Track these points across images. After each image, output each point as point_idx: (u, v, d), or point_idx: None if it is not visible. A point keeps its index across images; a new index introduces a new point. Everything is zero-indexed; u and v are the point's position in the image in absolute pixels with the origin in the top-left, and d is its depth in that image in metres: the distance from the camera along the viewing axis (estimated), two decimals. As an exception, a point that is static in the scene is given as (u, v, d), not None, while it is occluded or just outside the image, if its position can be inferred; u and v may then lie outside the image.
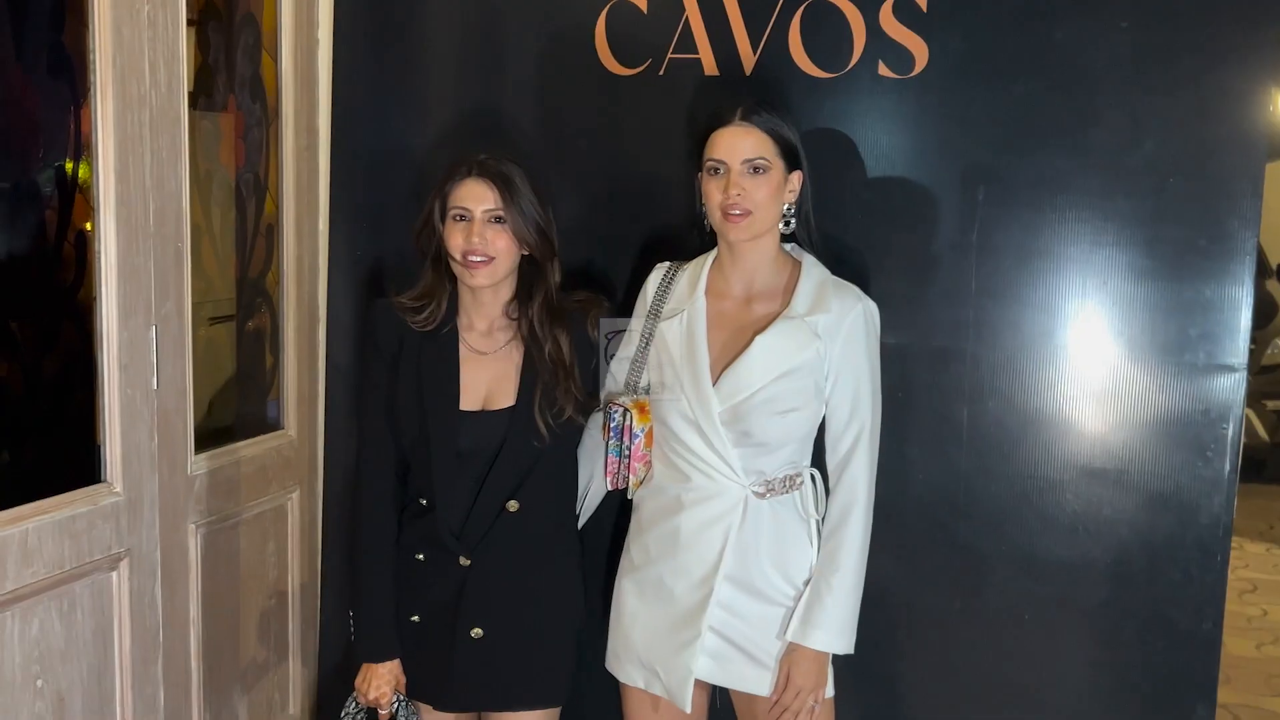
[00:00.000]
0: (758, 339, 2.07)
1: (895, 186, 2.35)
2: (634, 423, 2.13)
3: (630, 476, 2.16)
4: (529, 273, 2.19)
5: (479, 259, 2.10)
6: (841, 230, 2.33)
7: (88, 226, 2.27)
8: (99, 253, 2.25)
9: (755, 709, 2.13)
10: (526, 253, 2.16)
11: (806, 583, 2.10)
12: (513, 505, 2.15)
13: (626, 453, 2.15)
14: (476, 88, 2.57)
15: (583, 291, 2.29)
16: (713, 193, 2.06)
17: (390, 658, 2.19)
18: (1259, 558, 6.05)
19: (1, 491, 2.09)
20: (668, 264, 2.23)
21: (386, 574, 2.20)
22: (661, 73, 2.44)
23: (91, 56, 2.21)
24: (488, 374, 2.20)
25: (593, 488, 2.30)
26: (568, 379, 2.17)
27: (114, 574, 2.33)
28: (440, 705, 2.20)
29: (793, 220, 2.13)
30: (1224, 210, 2.21)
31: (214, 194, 2.77)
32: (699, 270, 2.17)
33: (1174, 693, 2.31)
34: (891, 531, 2.32)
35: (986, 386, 2.33)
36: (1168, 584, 2.28)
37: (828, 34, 2.34)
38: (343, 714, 2.21)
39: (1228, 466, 2.24)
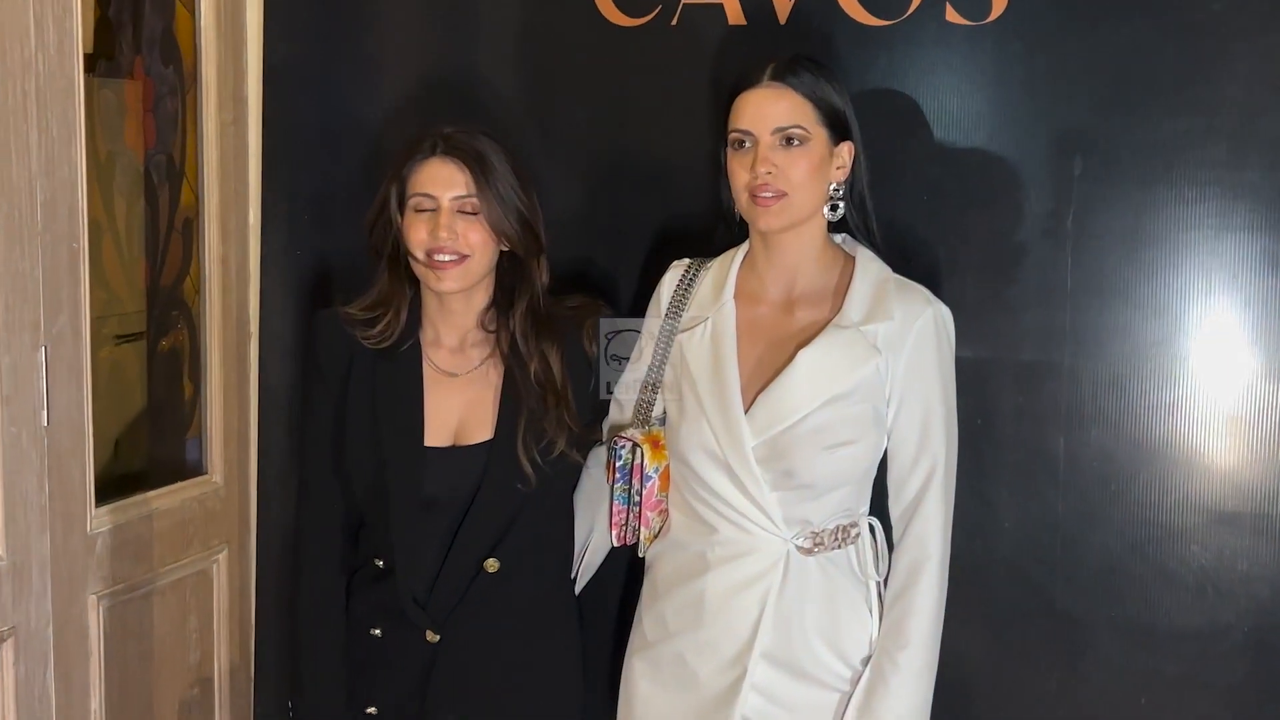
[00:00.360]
0: (801, 354, 2.03)
1: (969, 159, 2.33)
2: (645, 460, 2.10)
3: (642, 529, 2.13)
4: (509, 274, 2.15)
5: (448, 258, 2.05)
6: (903, 216, 2.32)
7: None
8: (-29, 254, 2.24)
9: None
10: (506, 249, 2.12)
11: (866, 661, 2.05)
12: (491, 564, 2.10)
13: (636, 499, 2.11)
14: (445, 43, 2.57)
15: (578, 296, 2.25)
16: (739, 171, 2.02)
17: None
18: None
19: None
20: (687, 261, 2.20)
21: (334, 653, 2.16)
22: (674, 22, 2.42)
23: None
24: (459, 400, 2.15)
25: (594, 542, 2.27)
26: (559, 405, 2.12)
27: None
28: None
29: (841, 205, 2.08)
30: (1383, 186, 2.20)
31: (117, 181, 2.77)
32: (726, 269, 2.14)
33: (1330, 791, 2.29)
34: (972, 594, 2.32)
35: (1089, 410, 2.32)
36: (1321, 656, 2.27)
37: (883, -31, 2.33)
38: None
39: (1397, 508, 2.22)
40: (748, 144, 2.01)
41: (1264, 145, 2.22)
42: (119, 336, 2.83)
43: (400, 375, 2.13)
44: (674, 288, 2.18)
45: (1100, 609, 2.33)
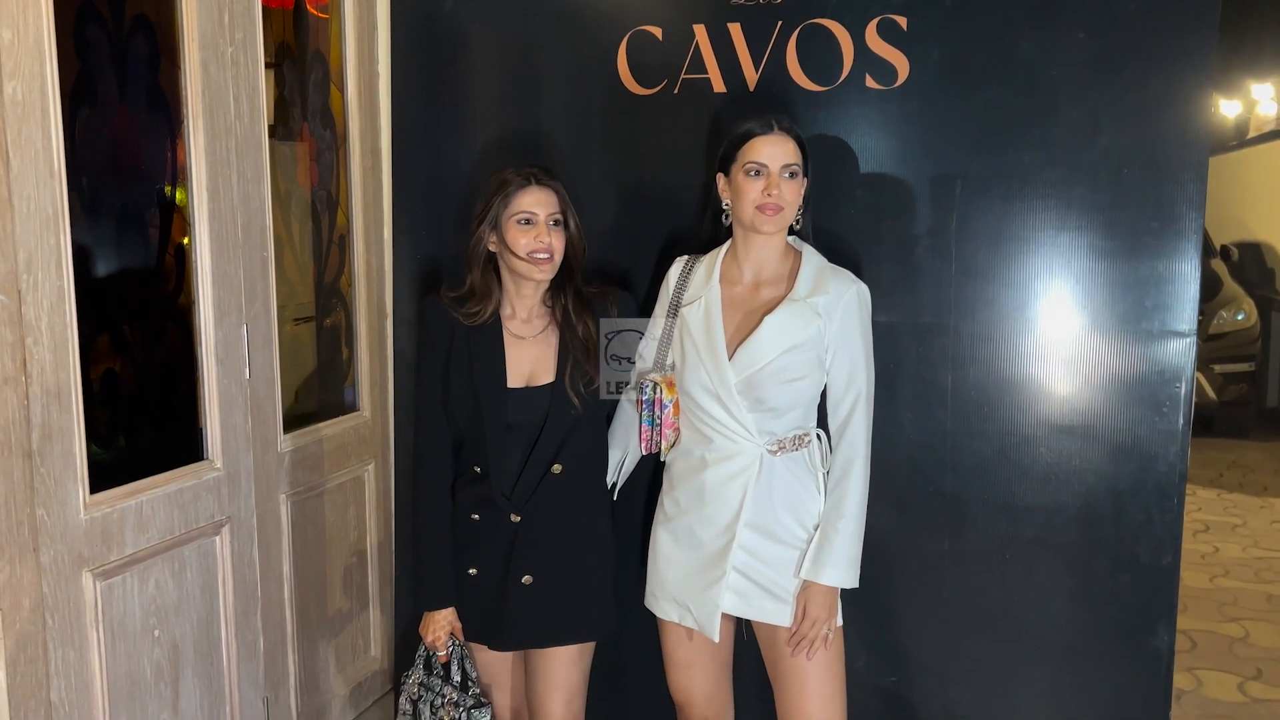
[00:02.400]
0: (767, 319, 2.06)
1: (883, 183, 2.32)
2: (664, 395, 2.14)
3: (662, 442, 2.16)
4: (560, 269, 2.16)
5: (544, 255, 2.08)
6: (838, 223, 2.31)
7: (185, 241, 2.29)
8: (195, 263, 2.28)
9: (776, 638, 2.12)
10: (578, 252, 2.16)
11: (816, 527, 2.09)
12: (557, 468, 2.13)
13: (658, 421, 2.15)
14: (515, 110, 2.57)
15: (599, 283, 2.27)
16: (750, 190, 2.03)
17: (445, 606, 2.16)
18: (1210, 502, 6.00)
19: (119, 471, 2.12)
20: (686, 257, 2.21)
21: (444, 537, 2.17)
22: (676, 91, 2.42)
23: (184, 94, 2.23)
24: (530, 355, 2.16)
25: (629, 456, 2.29)
26: (596, 355, 2.17)
27: (217, 538, 2.36)
28: (496, 646, 2.17)
29: (801, 217, 2.12)
30: (1172, 196, 2.18)
31: (293, 210, 2.78)
32: (714, 261, 2.16)
33: (1139, 620, 2.29)
34: (887, 485, 2.33)
35: (967, 356, 2.31)
36: (1131, 524, 2.27)
37: (820, 52, 2.32)
38: (416, 655, 2.21)
39: (1181, 420, 2.22)
40: (762, 173, 2.02)
41: (1086, 170, 2.22)
42: (297, 318, 2.85)
43: (488, 340, 2.14)
44: (678, 275, 2.20)
45: (976, 493, 2.34)
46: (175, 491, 2.21)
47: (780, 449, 2.08)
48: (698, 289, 2.16)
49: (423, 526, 2.19)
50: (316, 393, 2.92)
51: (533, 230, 2.08)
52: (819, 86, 2.33)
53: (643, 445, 2.18)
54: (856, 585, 2.07)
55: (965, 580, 2.37)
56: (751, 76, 2.37)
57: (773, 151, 2.03)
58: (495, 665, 2.24)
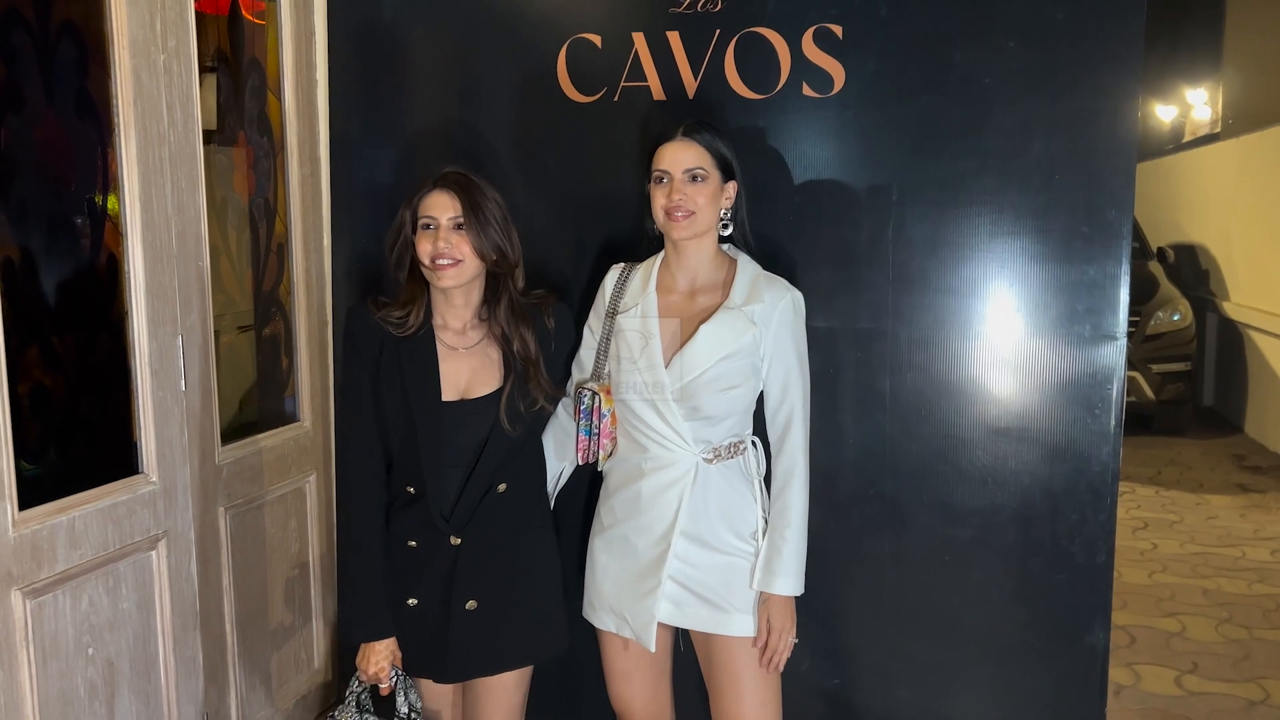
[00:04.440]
0: (702, 327, 2.04)
1: (820, 190, 2.34)
2: (601, 404, 2.11)
3: (600, 452, 2.13)
4: (494, 278, 2.08)
5: (445, 261, 1.98)
6: (775, 229, 2.33)
7: (117, 250, 2.25)
8: (128, 273, 2.24)
9: (711, 646, 2.11)
10: (493, 259, 2.03)
11: (753, 535, 2.08)
12: (502, 487, 2.06)
13: (596, 431, 2.12)
14: (456, 118, 2.55)
15: (539, 290, 2.17)
16: (657, 197, 2.04)
17: (385, 636, 2.05)
18: (1149, 499, 6.11)
19: (49, 486, 2.07)
20: (622, 265, 2.20)
21: (378, 563, 2.05)
22: (616, 99, 2.43)
23: (115, 101, 2.19)
24: (465, 368, 2.06)
25: (566, 467, 2.26)
26: (535, 372, 2.07)
27: (154, 553, 2.31)
28: (440, 678, 2.09)
29: (729, 225, 2.11)
30: (1102, 202, 2.22)
31: (230, 218, 2.74)
32: (650, 269, 2.14)
33: (1075, 616, 2.33)
34: (829, 488, 2.35)
35: (905, 361, 2.34)
36: (1066, 524, 2.30)
37: (758, 61, 2.34)
38: (347, 693, 2.10)
39: (1113, 421, 2.26)
40: (666, 180, 2.03)
41: (1019, 178, 2.25)
42: (237, 328, 2.80)
43: (420, 352, 2.05)
44: (614, 283, 2.18)
45: (915, 495, 2.36)
46: (109, 506, 2.17)
47: (716, 457, 2.07)
48: (634, 296, 2.14)
49: (353, 552, 2.07)
50: (256, 403, 2.88)
51: (432, 236, 1.99)
52: (757, 94, 2.35)
53: (579, 455, 2.15)
54: (801, 592, 2.07)
55: (906, 582, 2.39)
56: (691, 84, 2.38)
57: (674, 157, 2.02)
58: (437, 697, 2.18)
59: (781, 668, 2.07)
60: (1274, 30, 7.73)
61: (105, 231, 2.25)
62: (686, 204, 2.01)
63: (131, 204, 2.21)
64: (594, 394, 2.12)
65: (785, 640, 2.06)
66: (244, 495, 2.63)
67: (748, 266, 2.11)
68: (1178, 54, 9.57)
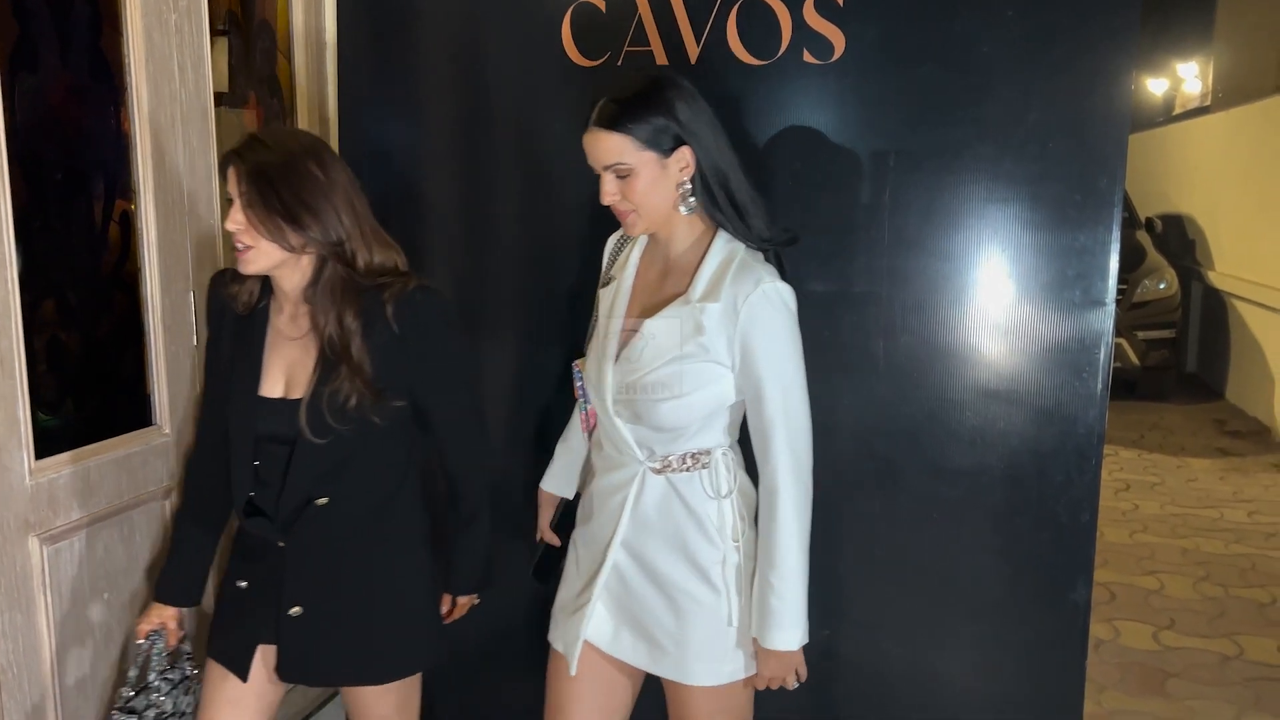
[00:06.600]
0: (647, 323, 1.74)
1: (819, 156, 2.31)
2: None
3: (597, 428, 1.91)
4: (323, 261, 1.76)
5: (239, 246, 1.70)
6: (776, 195, 2.30)
7: (131, 208, 2.23)
8: (141, 230, 2.23)
9: (669, 693, 1.84)
10: (301, 243, 1.71)
11: (720, 570, 1.77)
12: (322, 500, 1.77)
13: (586, 407, 1.95)
14: (462, 80, 2.52)
15: (398, 272, 1.80)
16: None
17: (161, 600, 1.93)
18: (1131, 462, 6.14)
19: (65, 437, 2.07)
20: (620, 232, 1.99)
21: (184, 533, 1.93)
22: (619, 63, 2.39)
23: (127, 61, 2.16)
24: (291, 359, 1.79)
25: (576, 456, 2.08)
26: (351, 369, 1.72)
27: (166, 502, 2.32)
28: (245, 676, 1.85)
29: (692, 197, 1.74)
30: (1095, 171, 2.20)
31: (240, 178, 2.72)
32: (638, 241, 1.89)
33: (1059, 574, 2.34)
34: (825, 449, 2.29)
35: (899, 324, 2.32)
36: (1051, 485, 2.31)
37: (759, 27, 2.30)
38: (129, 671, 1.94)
39: (1099, 385, 2.26)
40: (598, 175, 1.75)
41: (1015, 146, 2.23)
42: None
43: (252, 333, 1.80)
44: (610, 250, 1.99)
45: (907, 456, 2.36)
46: (123, 457, 2.17)
47: (666, 468, 1.76)
48: (619, 269, 1.89)
49: (177, 519, 1.96)
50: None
51: (231, 214, 1.69)
52: (758, 60, 2.32)
53: (584, 430, 1.98)
54: (805, 641, 1.78)
55: (896, 539, 2.40)
56: (693, 50, 2.35)
57: (592, 152, 1.74)
58: (233, 694, 1.88)
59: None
60: (1264, 6, 7.65)
61: (118, 190, 2.24)
62: (621, 204, 1.74)
63: (144, 163, 2.20)
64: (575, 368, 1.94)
65: (788, 684, 1.79)
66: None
67: (721, 250, 1.76)
68: (1170, 28, 9.48)
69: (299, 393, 1.76)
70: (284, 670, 1.85)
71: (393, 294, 1.74)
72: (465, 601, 2.06)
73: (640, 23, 2.36)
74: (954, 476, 2.35)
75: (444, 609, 2.03)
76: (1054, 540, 2.32)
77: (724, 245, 1.78)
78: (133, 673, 1.95)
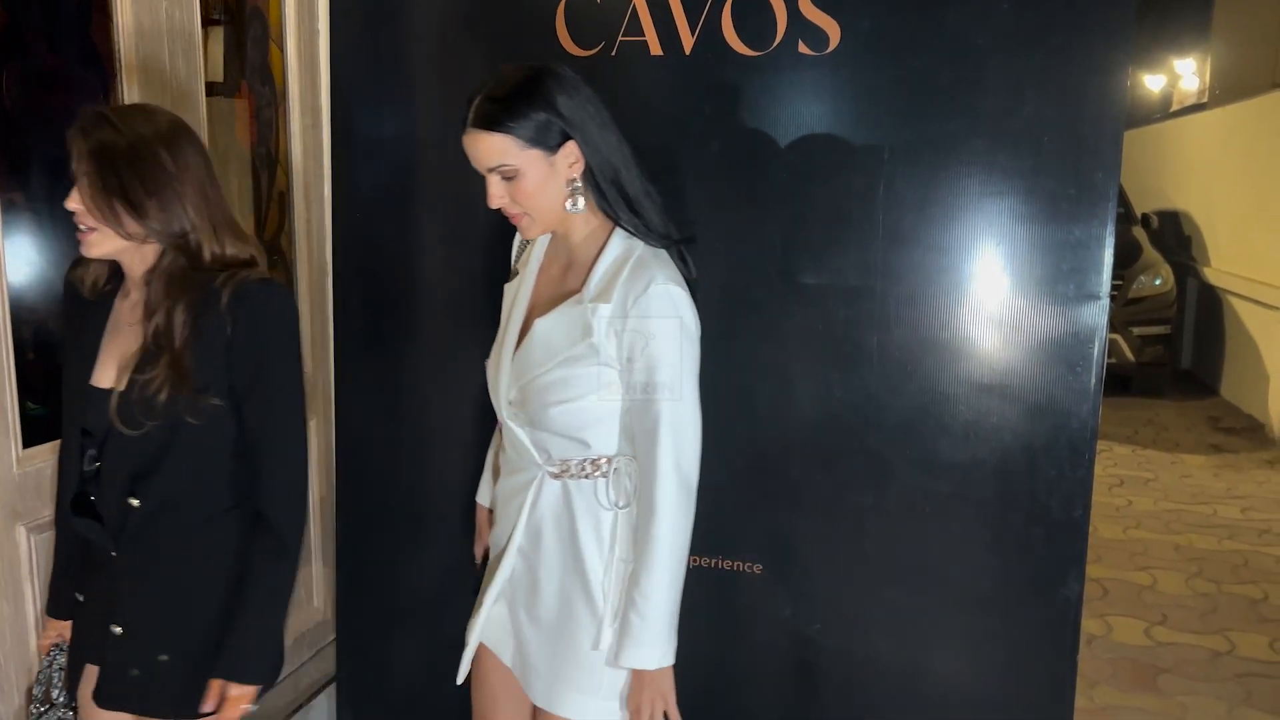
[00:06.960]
0: (537, 323, 1.65)
1: (814, 147, 2.30)
2: None
3: None
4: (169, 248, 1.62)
5: (80, 228, 1.57)
6: (769, 188, 2.29)
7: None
8: (131, 218, 2.20)
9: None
10: (139, 232, 1.58)
11: (602, 592, 1.68)
12: (134, 502, 1.62)
13: None
14: (455, 70, 2.49)
15: (243, 264, 1.66)
16: None
17: (51, 615, 1.82)
18: (1125, 458, 6.14)
19: (54, 425, 2.03)
20: None
21: (60, 543, 1.81)
22: (613, 54, 2.37)
23: (117, 49, 2.14)
24: (124, 347, 1.65)
25: None
26: (170, 361, 1.57)
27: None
28: (74, 697, 1.76)
29: (580, 196, 1.64)
30: (1090, 165, 2.18)
31: (232, 166, 2.71)
32: (545, 236, 1.78)
33: (1051, 569, 2.32)
34: (814, 442, 2.33)
35: (892, 318, 2.30)
36: (1044, 479, 2.29)
37: (754, 17, 2.28)
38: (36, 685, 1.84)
39: (1093, 380, 2.24)
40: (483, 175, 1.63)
41: (1008, 139, 2.21)
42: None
43: (93, 319, 1.68)
44: (517, 246, 1.87)
45: (899, 449, 2.34)
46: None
47: (564, 473, 1.68)
48: (525, 265, 1.79)
49: (56, 521, 1.82)
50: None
51: (70, 193, 1.57)
52: (753, 51, 2.30)
53: None
54: (668, 663, 1.66)
55: (887, 533, 2.38)
56: (688, 40, 2.33)
57: (473, 155, 1.62)
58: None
59: None
60: (1261, 3, 7.64)
61: (108, 177, 2.21)
62: (510, 207, 1.63)
63: (134, 150, 2.17)
64: None
65: (655, 716, 1.63)
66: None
67: (616, 248, 1.67)
68: (1167, 25, 9.46)
69: (123, 384, 1.62)
70: (99, 693, 1.69)
71: (231, 283, 1.60)
72: (238, 696, 1.66)
73: (635, 12, 2.34)
74: (946, 470, 2.33)
75: (208, 703, 1.66)
76: (1046, 535, 2.31)
77: (620, 242, 1.68)
78: (38, 690, 1.83)
